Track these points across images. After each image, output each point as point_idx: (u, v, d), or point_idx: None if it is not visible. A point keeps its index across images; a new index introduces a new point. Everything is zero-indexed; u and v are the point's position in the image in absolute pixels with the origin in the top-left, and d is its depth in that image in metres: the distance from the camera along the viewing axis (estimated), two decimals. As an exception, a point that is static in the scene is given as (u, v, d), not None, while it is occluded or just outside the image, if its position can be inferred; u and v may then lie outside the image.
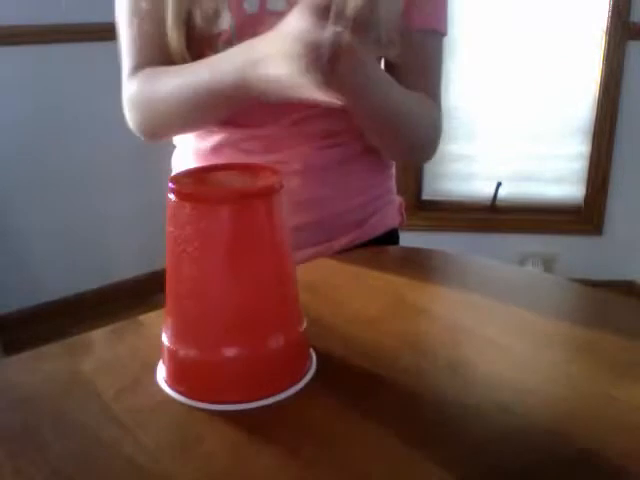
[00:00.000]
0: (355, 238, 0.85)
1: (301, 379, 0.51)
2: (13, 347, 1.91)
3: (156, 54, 0.76)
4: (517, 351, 0.56)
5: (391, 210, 0.91)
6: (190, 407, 0.48)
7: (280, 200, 0.49)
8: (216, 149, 0.82)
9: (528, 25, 2.19)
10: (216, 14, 0.71)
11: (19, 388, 0.51)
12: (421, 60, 0.80)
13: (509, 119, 2.31)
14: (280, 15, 0.71)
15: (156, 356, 0.55)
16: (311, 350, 0.55)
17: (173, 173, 0.88)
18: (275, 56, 0.60)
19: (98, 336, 0.59)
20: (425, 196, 2.43)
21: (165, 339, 0.51)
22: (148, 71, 0.76)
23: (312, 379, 0.52)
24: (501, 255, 2.19)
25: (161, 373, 0.52)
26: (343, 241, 0.84)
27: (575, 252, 2.39)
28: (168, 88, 0.73)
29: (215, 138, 0.81)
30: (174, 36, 0.73)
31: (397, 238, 0.93)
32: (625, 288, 2.32)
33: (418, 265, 0.77)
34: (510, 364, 0.54)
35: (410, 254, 0.83)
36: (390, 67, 0.80)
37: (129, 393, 0.50)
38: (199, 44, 0.74)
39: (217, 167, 0.53)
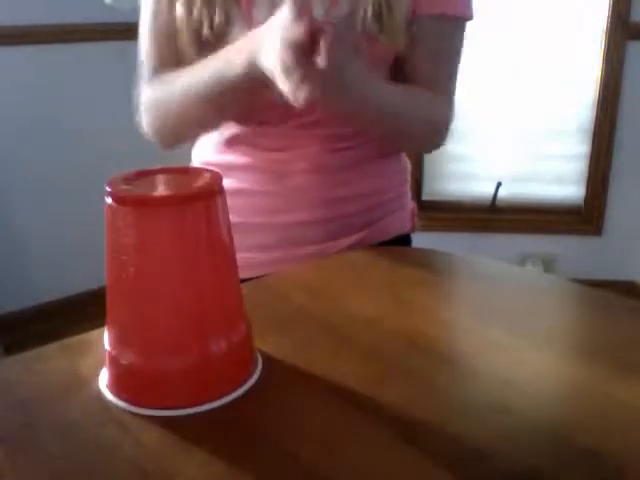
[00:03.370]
0: (362, 239, 0.84)
1: (245, 382, 0.50)
2: (13, 347, 1.91)
3: (174, 55, 0.77)
4: (517, 351, 0.56)
5: (403, 215, 0.90)
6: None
7: (220, 203, 0.48)
8: (230, 141, 0.84)
9: (528, 25, 2.18)
10: (227, 24, 0.73)
11: (19, 388, 0.51)
12: (431, 48, 0.79)
13: (509, 119, 2.30)
14: None
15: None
16: (257, 353, 0.54)
17: (192, 163, 0.90)
18: (265, 48, 0.62)
19: (98, 336, 0.59)
20: (425, 196, 2.42)
21: (107, 346, 0.50)
22: (164, 76, 0.78)
23: (259, 382, 0.51)
24: (501, 255, 2.19)
25: (104, 379, 0.51)
26: (349, 241, 0.83)
27: (575, 252, 2.39)
28: (181, 87, 0.75)
29: (231, 130, 0.83)
30: (190, 50, 0.75)
31: (409, 244, 0.92)
32: (625, 288, 2.32)
33: (418, 265, 0.77)
34: (510, 364, 0.54)
35: (410, 254, 0.83)
36: (402, 58, 0.79)
37: (129, 393, 0.50)
38: (212, 53, 0.74)
39: (155, 171, 0.52)
